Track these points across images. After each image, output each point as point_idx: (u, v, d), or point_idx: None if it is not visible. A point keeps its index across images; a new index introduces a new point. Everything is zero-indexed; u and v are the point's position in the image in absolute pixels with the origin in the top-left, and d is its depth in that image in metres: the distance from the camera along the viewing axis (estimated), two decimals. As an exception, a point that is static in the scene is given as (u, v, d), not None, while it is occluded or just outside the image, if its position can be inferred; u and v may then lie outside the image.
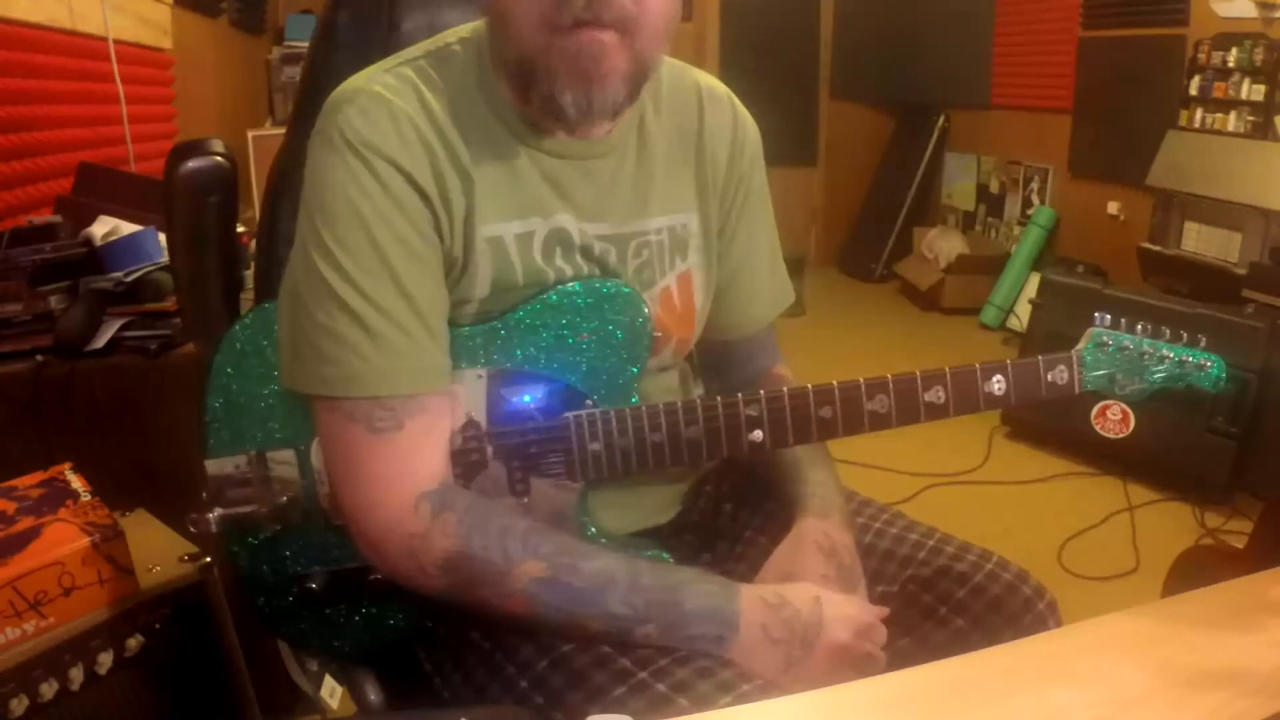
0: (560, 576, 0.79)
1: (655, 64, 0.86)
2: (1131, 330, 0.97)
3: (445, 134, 0.84)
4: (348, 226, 0.80)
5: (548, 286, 0.89)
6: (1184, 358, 0.97)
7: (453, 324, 0.87)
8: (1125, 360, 0.96)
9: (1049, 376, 0.94)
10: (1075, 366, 0.95)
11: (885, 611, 0.87)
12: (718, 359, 1.09)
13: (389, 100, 0.83)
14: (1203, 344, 0.98)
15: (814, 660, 0.80)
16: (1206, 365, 0.97)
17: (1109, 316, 0.97)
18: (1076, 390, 0.95)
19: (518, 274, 0.88)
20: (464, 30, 0.90)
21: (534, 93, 0.82)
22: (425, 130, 0.83)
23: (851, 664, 0.81)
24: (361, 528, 0.82)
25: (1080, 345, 0.96)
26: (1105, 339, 0.96)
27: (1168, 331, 0.98)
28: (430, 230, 0.83)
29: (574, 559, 0.80)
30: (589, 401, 0.90)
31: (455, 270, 0.86)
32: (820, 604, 0.82)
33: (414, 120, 0.83)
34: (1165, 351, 0.97)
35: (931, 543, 0.95)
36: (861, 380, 0.90)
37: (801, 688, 0.71)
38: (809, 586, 0.84)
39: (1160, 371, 0.97)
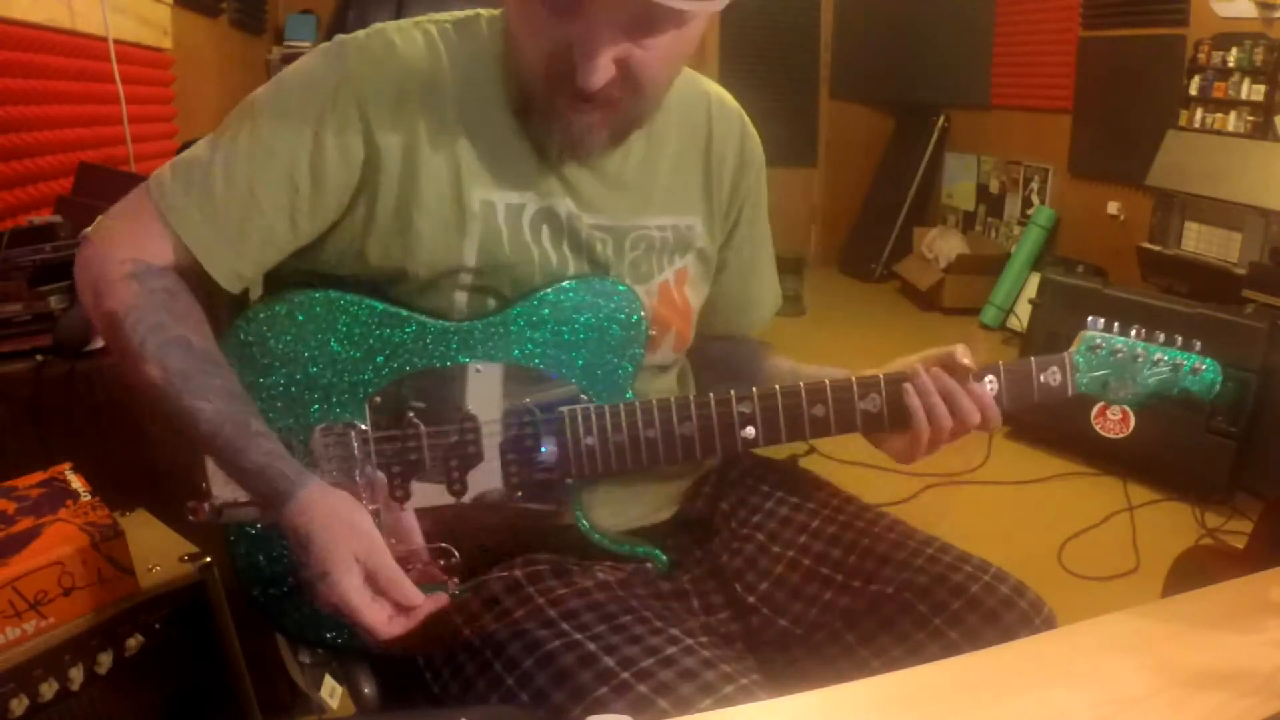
0: (167, 390, 0.81)
1: (654, 110, 0.90)
2: (1125, 333, 0.95)
3: (441, 93, 0.87)
4: (277, 105, 0.86)
5: (533, 269, 0.91)
6: (1177, 361, 0.94)
7: (446, 315, 0.90)
8: (1117, 364, 0.94)
9: (1041, 378, 0.94)
10: (1068, 369, 0.94)
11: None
12: (718, 359, 1.12)
13: (396, 45, 0.87)
14: (1198, 348, 0.95)
15: (313, 584, 0.80)
16: (1201, 369, 0.95)
17: (1102, 319, 0.95)
18: (1069, 393, 0.95)
19: (504, 245, 0.89)
20: (493, 11, 0.93)
21: (539, 130, 0.87)
22: (415, 85, 0.87)
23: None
24: (85, 250, 0.87)
25: (1073, 348, 0.95)
26: (1098, 342, 0.95)
27: (1162, 335, 0.96)
28: (334, 177, 0.86)
29: (183, 385, 0.81)
30: (583, 397, 0.90)
31: (374, 225, 0.88)
32: (330, 569, 0.79)
33: (410, 71, 0.87)
34: (1158, 355, 0.94)
35: (930, 550, 0.95)
36: (854, 378, 0.91)
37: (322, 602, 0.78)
38: (342, 554, 0.79)
39: (1153, 376, 0.95)
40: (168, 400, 0.82)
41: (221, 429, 0.82)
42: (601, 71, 0.78)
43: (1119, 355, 0.94)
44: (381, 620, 0.80)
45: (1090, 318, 0.96)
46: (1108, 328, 0.95)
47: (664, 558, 0.95)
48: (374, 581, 0.80)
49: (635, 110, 0.86)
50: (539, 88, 0.84)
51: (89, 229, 0.88)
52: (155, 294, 0.84)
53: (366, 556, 0.80)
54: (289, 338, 0.89)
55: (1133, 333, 0.95)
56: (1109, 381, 0.95)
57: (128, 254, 0.84)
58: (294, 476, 0.81)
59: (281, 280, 0.97)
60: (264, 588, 0.94)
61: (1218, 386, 0.95)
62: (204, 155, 0.86)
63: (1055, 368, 0.94)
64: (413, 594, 0.81)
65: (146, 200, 0.86)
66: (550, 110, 0.85)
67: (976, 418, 0.90)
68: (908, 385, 0.90)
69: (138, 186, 0.88)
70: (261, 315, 0.90)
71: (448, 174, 0.88)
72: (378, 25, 0.90)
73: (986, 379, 0.92)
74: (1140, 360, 0.95)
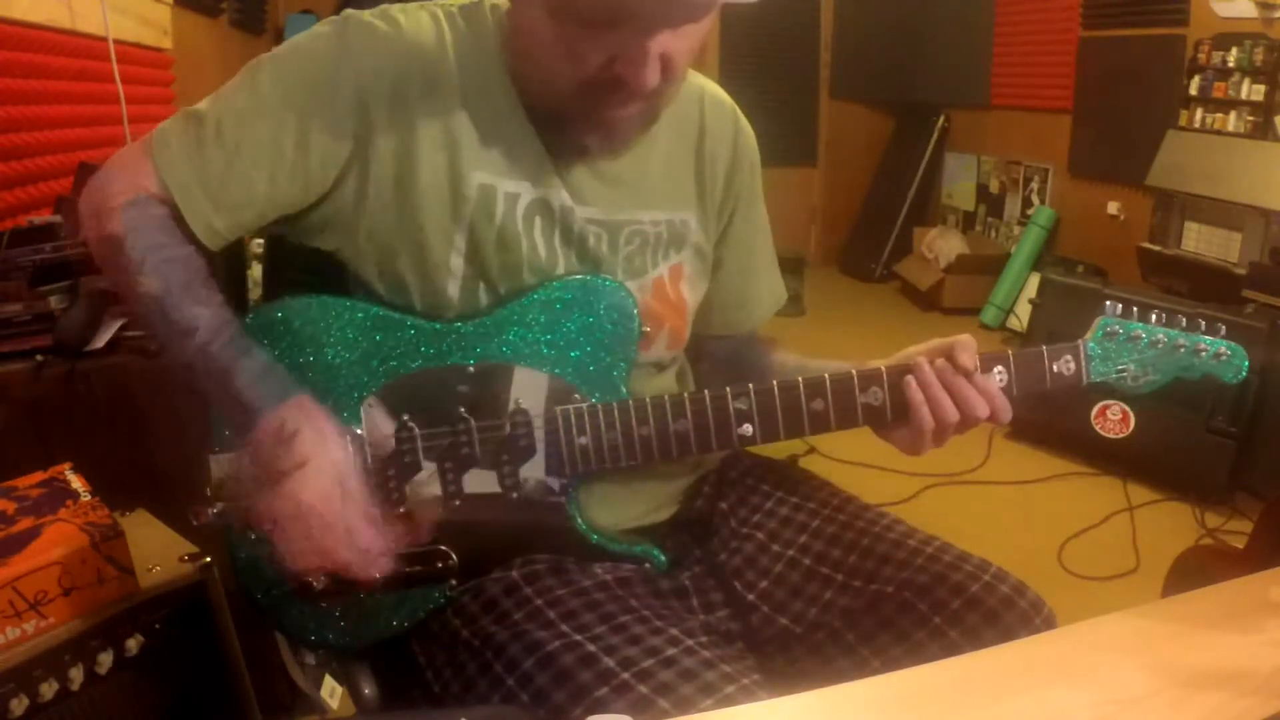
0: (165, 300, 0.84)
1: (680, 89, 0.91)
2: (1144, 319, 0.91)
3: (444, 77, 0.88)
4: (277, 72, 0.87)
5: (521, 259, 0.91)
6: (1200, 346, 0.91)
7: (439, 313, 0.90)
8: (1136, 350, 0.91)
9: (1054, 367, 0.91)
10: (1082, 357, 0.91)
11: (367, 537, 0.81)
12: (722, 358, 1.12)
13: (401, 25, 0.88)
14: (1223, 332, 0.92)
15: (276, 491, 0.79)
16: (1225, 354, 0.91)
17: (1119, 305, 0.91)
18: (1084, 382, 0.91)
19: (494, 231, 0.90)
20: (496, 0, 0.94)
21: (561, 129, 0.88)
22: (417, 66, 0.87)
23: (272, 523, 0.80)
24: (90, 182, 0.90)
25: (1087, 335, 0.92)
26: (1115, 328, 0.91)
27: (1184, 320, 0.92)
28: (321, 146, 0.86)
29: (184, 295, 0.84)
30: (578, 396, 0.90)
31: (365, 202, 0.88)
32: (311, 461, 0.79)
33: (413, 52, 0.87)
34: (1180, 340, 0.91)
35: (930, 549, 0.95)
36: (854, 371, 0.90)
37: (262, 508, 0.79)
38: (327, 459, 0.80)
39: (1174, 362, 0.91)
40: (165, 310, 0.84)
41: (222, 330, 0.83)
42: (654, 70, 0.80)
43: (1137, 341, 0.91)
44: (339, 549, 0.80)
45: (1108, 302, 0.92)
46: (1125, 313, 0.91)
47: (662, 558, 0.95)
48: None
49: (670, 93, 0.88)
50: (574, 98, 0.84)
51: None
52: (155, 218, 0.86)
53: (348, 482, 0.80)
54: (284, 343, 0.89)
55: (1153, 317, 0.91)
56: (1127, 368, 0.91)
57: (128, 186, 0.87)
58: (291, 384, 0.84)
59: (281, 281, 0.97)
60: (266, 588, 0.94)
61: (1244, 371, 0.91)
62: (204, 109, 0.88)
63: (1068, 356, 0.91)
64: (358, 571, 0.81)
65: (148, 143, 0.88)
66: (588, 114, 0.85)
67: (984, 410, 0.89)
68: (909, 378, 0.89)
69: (143, 142, 0.91)
70: (256, 321, 0.91)
71: (444, 156, 0.88)
72: (384, 5, 0.91)
73: (995, 369, 0.90)
74: (1161, 346, 0.91)
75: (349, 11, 0.89)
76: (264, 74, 0.87)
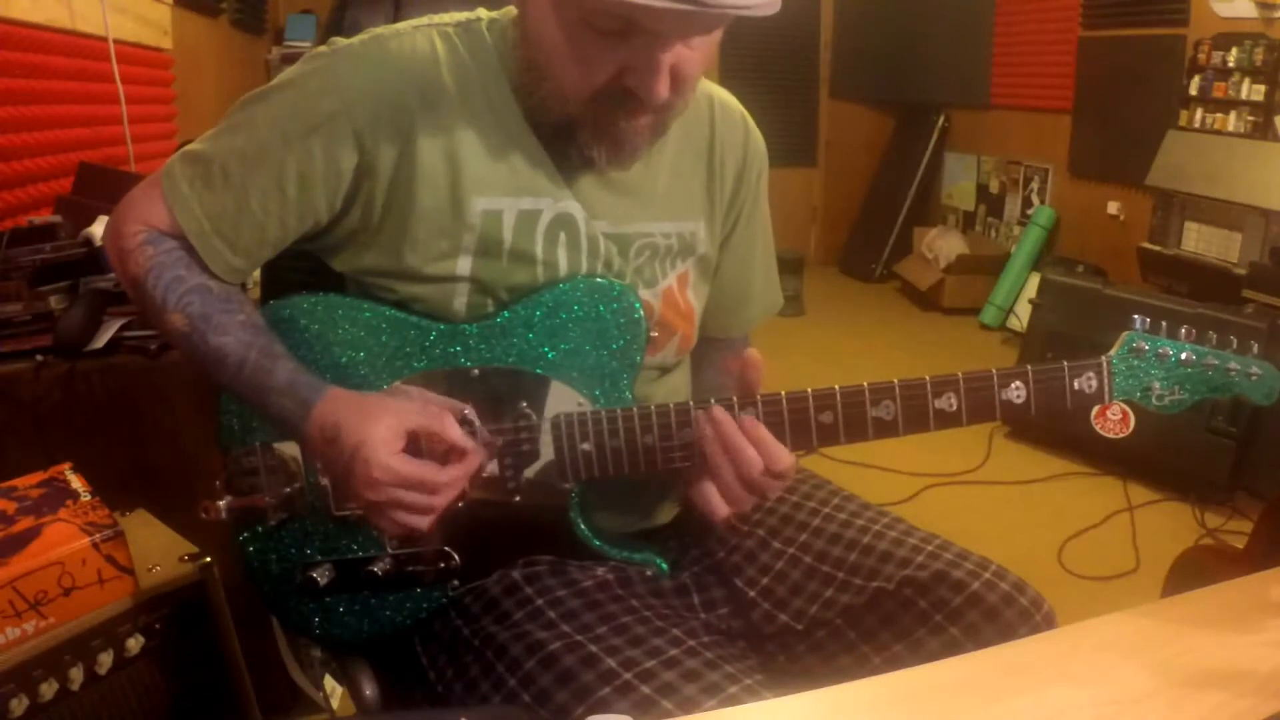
0: (192, 337, 0.88)
1: (690, 102, 0.91)
2: (1173, 334, 0.88)
3: (442, 100, 0.87)
4: (271, 112, 0.87)
5: (536, 276, 0.91)
6: (1231, 365, 0.87)
7: (447, 317, 0.90)
8: (1164, 368, 0.87)
9: (1075, 385, 0.87)
10: (1105, 374, 0.87)
11: (427, 469, 0.83)
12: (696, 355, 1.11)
13: (390, 52, 0.87)
14: (1255, 350, 0.88)
15: (353, 485, 0.83)
16: (1257, 374, 0.87)
17: (1148, 320, 0.87)
18: (1107, 400, 0.88)
19: (504, 251, 0.89)
20: (493, 13, 0.93)
21: (571, 141, 0.87)
22: (412, 93, 0.86)
23: (376, 511, 0.84)
24: (109, 220, 0.94)
25: (1112, 351, 0.88)
26: (1141, 344, 0.87)
27: (1215, 336, 0.88)
28: (323, 183, 0.87)
29: (206, 328, 0.87)
30: (580, 401, 0.90)
31: (369, 231, 0.89)
32: (363, 439, 0.81)
33: (406, 79, 0.86)
34: (1211, 359, 0.87)
35: (930, 548, 0.95)
36: (866, 385, 0.87)
37: (358, 506, 0.85)
38: (374, 425, 0.82)
39: (1204, 381, 0.87)
40: (195, 345, 0.87)
41: (248, 355, 0.86)
42: (665, 82, 0.80)
43: (1165, 358, 0.87)
44: (432, 473, 0.82)
45: (1136, 317, 0.88)
46: (1154, 328, 0.88)
47: (664, 566, 0.95)
48: (422, 437, 0.83)
49: (679, 107, 0.88)
50: (584, 108, 0.84)
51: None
52: (170, 253, 0.89)
53: (402, 422, 0.83)
54: (290, 343, 0.89)
55: (1182, 333, 0.88)
56: (1153, 386, 0.87)
57: (140, 223, 0.89)
58: (319, 384, 0.86)
59: (284, 281, 0.97)
60: (274, 584, 0.94)
61: (1276, 393, 0.88)
62: (207, 151, 0.89)
63: (1091, 374, 0.87)
64: (463, 439, 0.84)
65: (160, 184, 0.90)
66: (597, 125, 0.85)
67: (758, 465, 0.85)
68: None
69: (152, 179, 0.92)
70: (265, 319, 0.91)
71: (445, 181, 0.87)
72: (374, 31, 0.90)
73: (1013, 385, 0.86)
74: (1190, 364, 0.87)
75: (336, 42, 0.89)
76: (260, 115, 0.88)
